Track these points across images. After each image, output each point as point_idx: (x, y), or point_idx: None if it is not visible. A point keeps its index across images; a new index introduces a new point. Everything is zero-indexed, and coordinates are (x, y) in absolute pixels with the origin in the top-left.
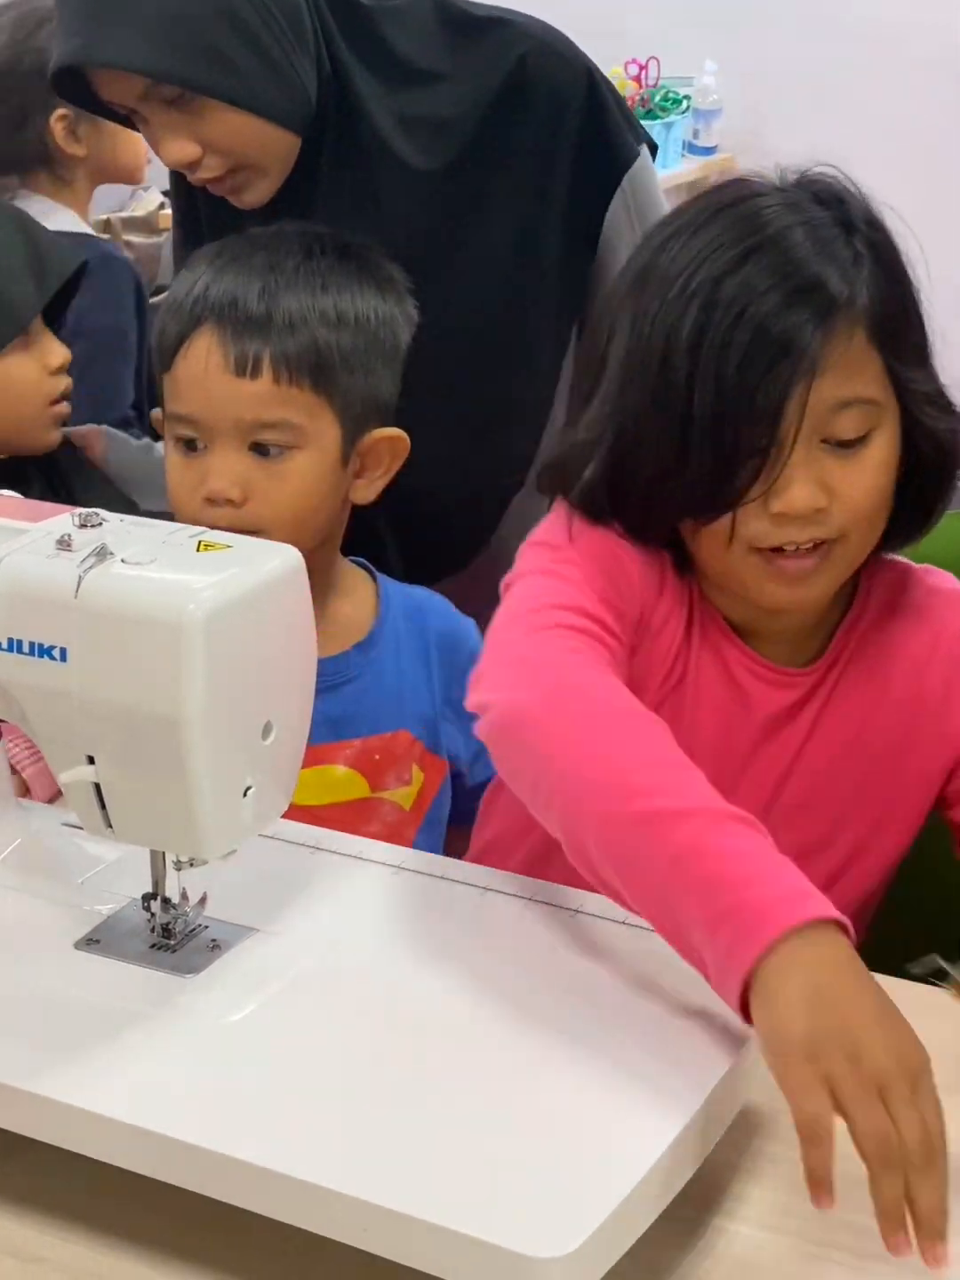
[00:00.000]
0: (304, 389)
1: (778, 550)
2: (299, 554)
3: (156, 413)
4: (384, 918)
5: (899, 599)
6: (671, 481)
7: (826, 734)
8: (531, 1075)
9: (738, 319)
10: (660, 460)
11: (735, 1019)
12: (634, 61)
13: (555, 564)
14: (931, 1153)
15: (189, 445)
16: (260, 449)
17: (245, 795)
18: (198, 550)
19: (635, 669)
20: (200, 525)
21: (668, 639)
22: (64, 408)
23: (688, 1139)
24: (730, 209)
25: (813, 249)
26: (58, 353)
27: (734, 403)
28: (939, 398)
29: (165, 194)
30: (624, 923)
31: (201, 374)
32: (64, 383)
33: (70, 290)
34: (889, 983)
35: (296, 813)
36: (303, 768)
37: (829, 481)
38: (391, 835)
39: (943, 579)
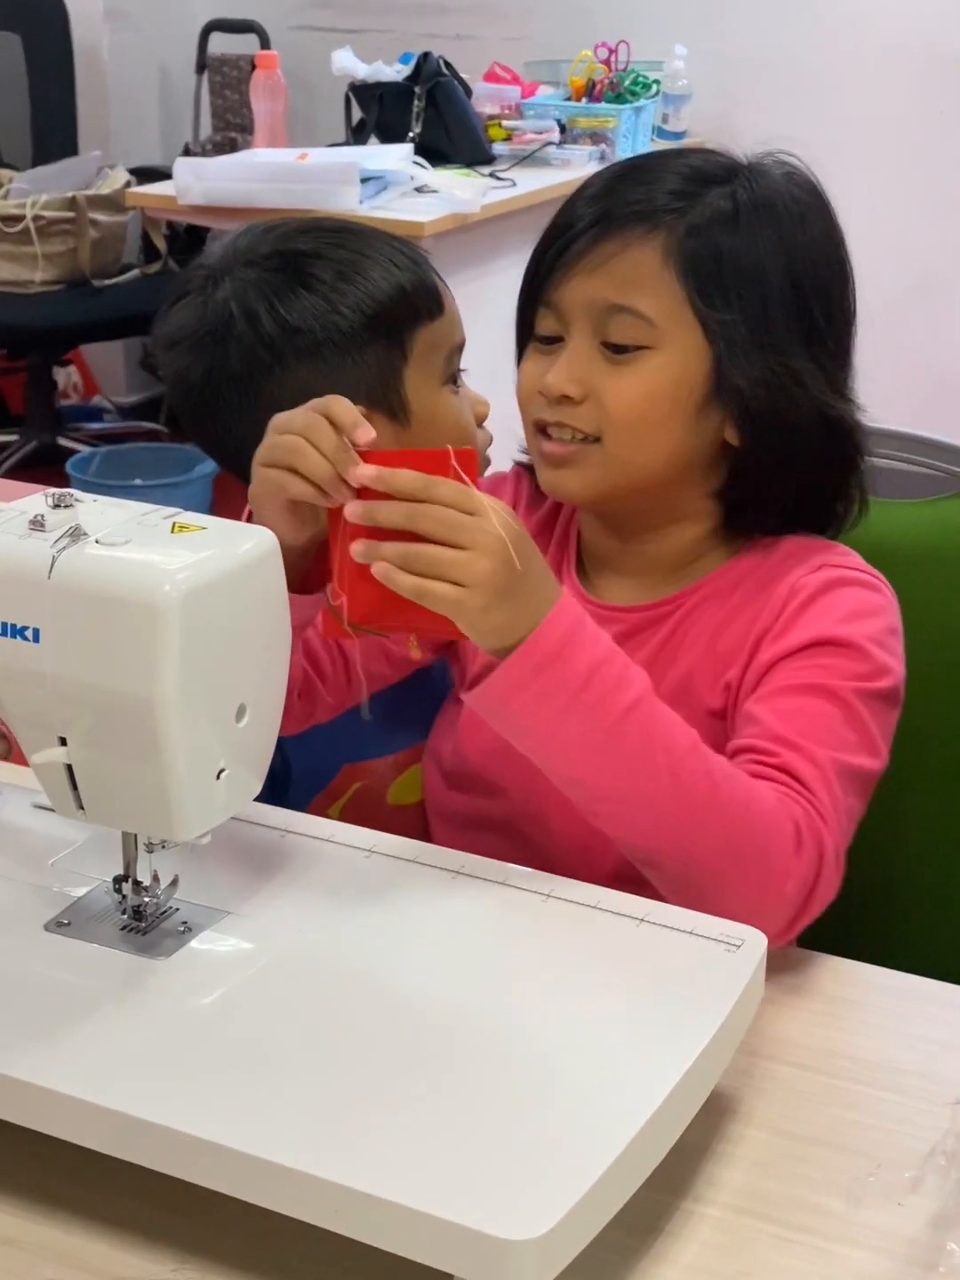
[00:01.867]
0: None
1: (546, 433)
2: (274, 536)
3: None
4: (355, 901)
5: (765, 562)
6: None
7: (655, 682)
8: (502, 1058)
9: (570, 203)
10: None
11: (708, 1002)
12: (604, 45)
13: None
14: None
15: (453, 379)
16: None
17: (218, 778)
18: (172, 531)
19: None
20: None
21: None
22: None
23: (659, 1122)
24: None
25: (667, 178)
26: None
27: (542, 281)
28: (832, 382)
29: (131, 172)
30: (596, 907)
31: (452, 303)
32: None
33: None
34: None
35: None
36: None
37: (593, 379)
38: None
39: (834, 553)
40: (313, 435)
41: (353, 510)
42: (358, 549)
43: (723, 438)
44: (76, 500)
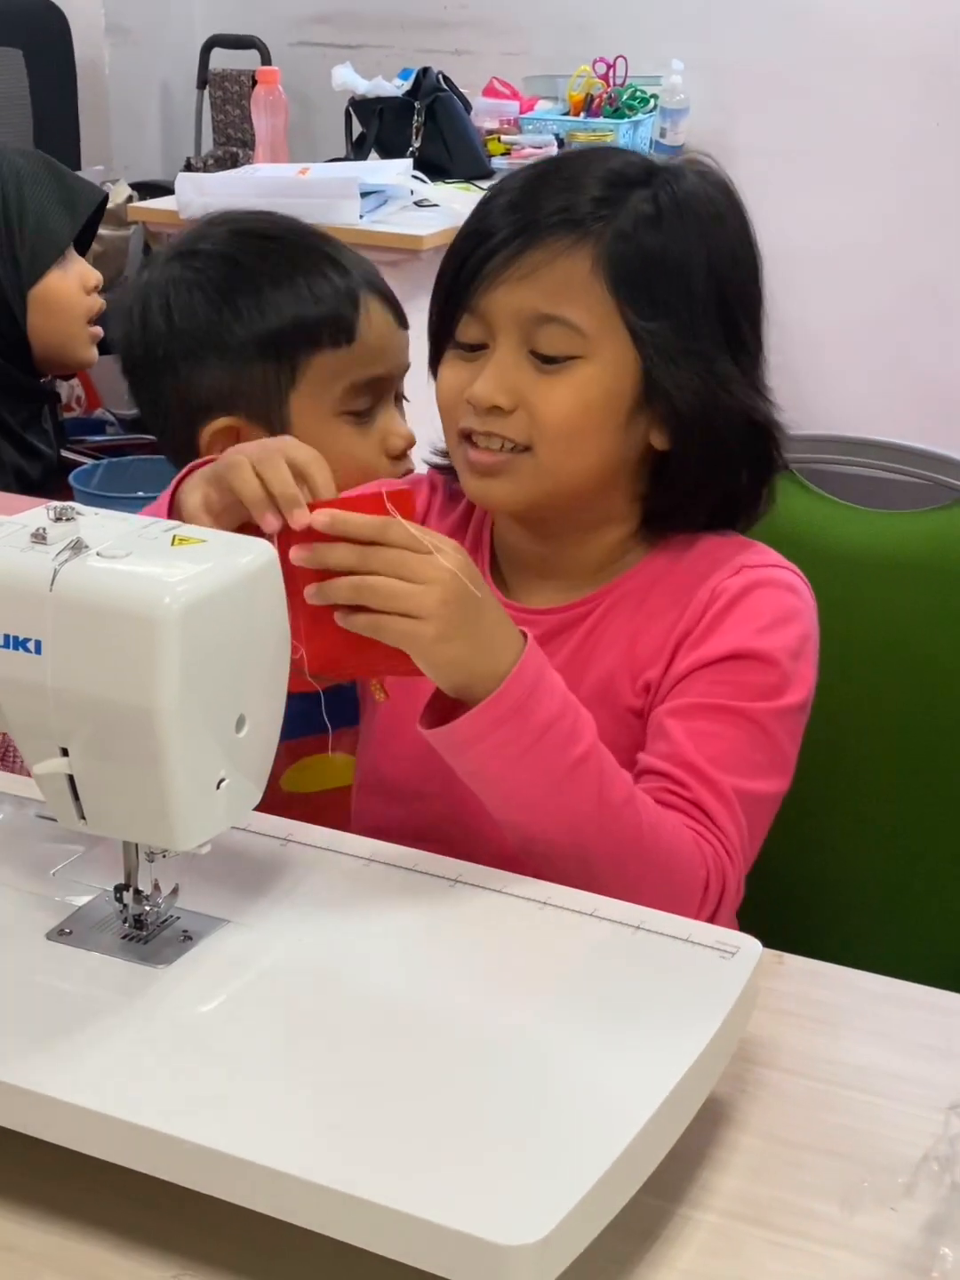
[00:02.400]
0: None
1: (472, 441)
2: (274, 549)
3: (219, 423)
4: (354, 909)
5: (680, 561)
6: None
7: (574, 683)
8: (499, 1064)
9: (487, 207)
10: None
11: (702, 1009)
12: (601, 60)
13: None
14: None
15: (358, 415)
16: (399, 398)
17: (218, 788)
18: (172, 544)
19: None
20: (379, 479)
21: None
22: (99, 330)
23: (655, 1128)
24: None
25: (588, 182)
26: (91, 274)
27: (463, 289)
28: (754, 383)
29: (133, 187)
30: (593, 915)
31: (386, 333)
32: (99, 303)
33: (95, 222)
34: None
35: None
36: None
37: (522, 389)
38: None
39: (752, 553)
40: (262, 466)
41: (298, 555)
42: (310, 592)
43: (649, 442)
44: (78, 513)
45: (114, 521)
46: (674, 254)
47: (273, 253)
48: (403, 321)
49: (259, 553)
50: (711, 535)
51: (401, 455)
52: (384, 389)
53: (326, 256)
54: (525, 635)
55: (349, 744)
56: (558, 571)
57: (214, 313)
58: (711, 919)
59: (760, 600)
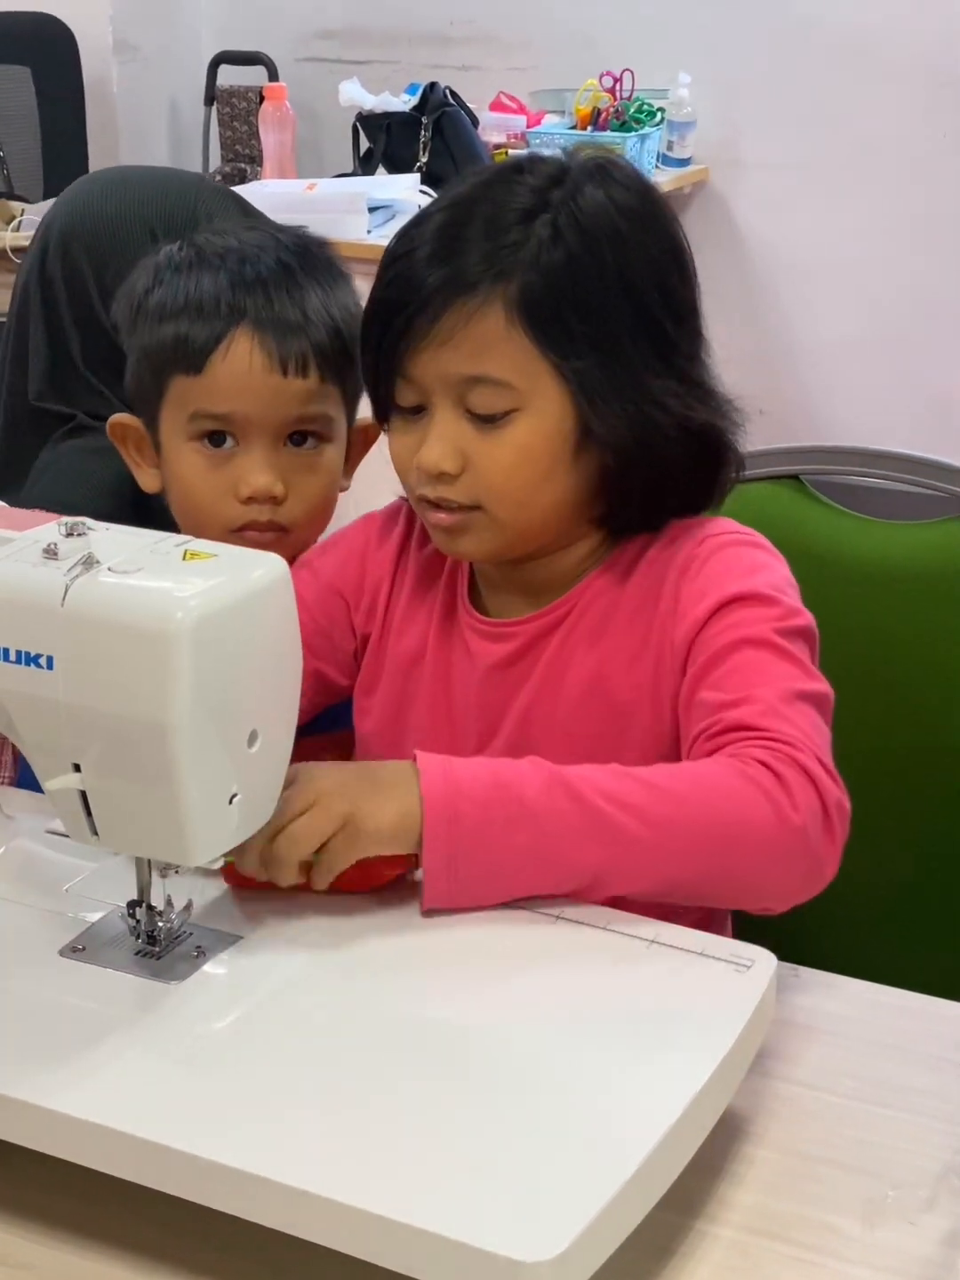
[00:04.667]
0: (331, 383)
1: (429, 502)
2: (285, 563)
3: (119, 417)
4: (365, 923)
5: (647, 553)
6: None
7: (554, 686)
8: (515, 1080)
9: (396, 268)
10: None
11: (719, 1023)
12: (608, 73)
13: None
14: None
15: (215, 443)
16: (295, 445)
17: (231, 803)
18: (184, 559)
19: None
20: (230, 527)
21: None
22: None
23: (672, 1143)
24: (458, 180)
25: (480, 225)
26: None
27: (388, 357)
28: (693, 388)
29: None
30: (606, 928)
31: (245, 374)
32: None
33: None
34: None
35: None
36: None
37: (466, 449)
38: None
39: (709, 525)
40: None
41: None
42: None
43: (600, 473)
44: (89, 528)
45: (125, 536)
46: (585, 282)
47: (199, 268)
48: (290, 371)
49: (270, 566)
50: (674, 525)
51: (252, 501)
52: (241, 429)
53: (246, 285)
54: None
55: (337, 752)
56: (530, 588)
57: (132, 313)
58: (826, 813)
59: (729, 558)
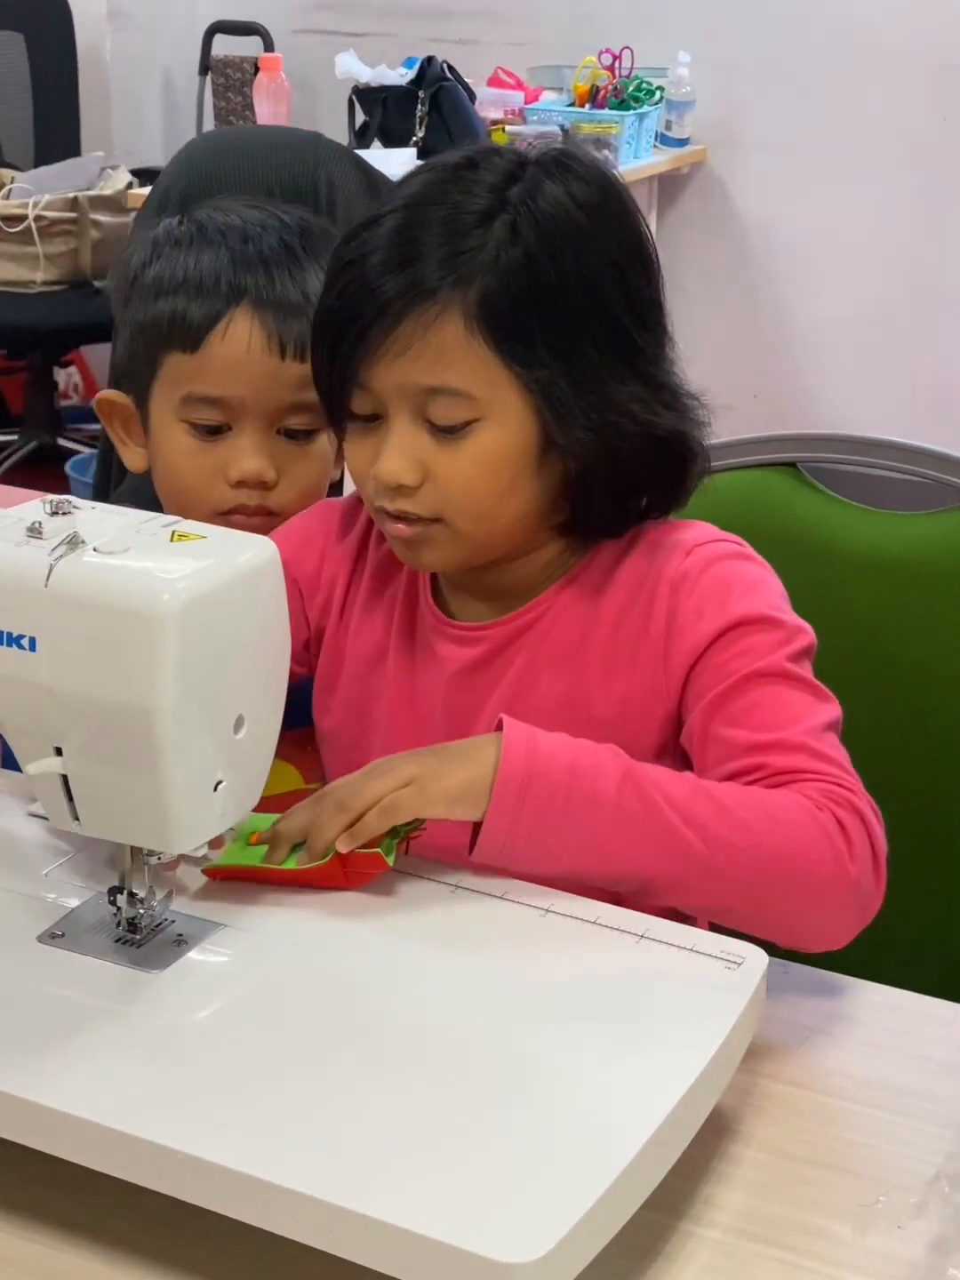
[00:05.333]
0: None
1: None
2: (275, 546)
3: (108, 393)
4: (351, 914)
5: (626, 559)
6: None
7: (526, 696)
8: (499, 1077)
9: (347, 275)
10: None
11: (708, 1020)
12: (607, 51)
13: None
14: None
15: (209, 429)
16: (289, 432)
17: (216, 790)
18: (172, 540)
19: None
20: (217, 510)
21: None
22: None
23: (658, 1143)
24: (407, 178)
25: (441, 230)
26: None
27: (342, 366)
28: (657, 393)
29: (133, 174)
30: (595, 922)
31: (243, 355)
32: None
33: None
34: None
35: None
36: None
37: (425, 460)
38: None
39: (688, 531)
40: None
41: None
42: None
43: (563, 480)
44: (74, 507)
45: (112, 515)
46: (546, 288)
47: (199, 243)
48: (289, 354)
49: (259, 549)
50: (649, 528)
51: (243, 485)
52: (236, 412)
53: (246, 263)
54: (500, 724)
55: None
56: (496, 592)
57: (127, 286)
58: (875, 859)
59: (724, 573)
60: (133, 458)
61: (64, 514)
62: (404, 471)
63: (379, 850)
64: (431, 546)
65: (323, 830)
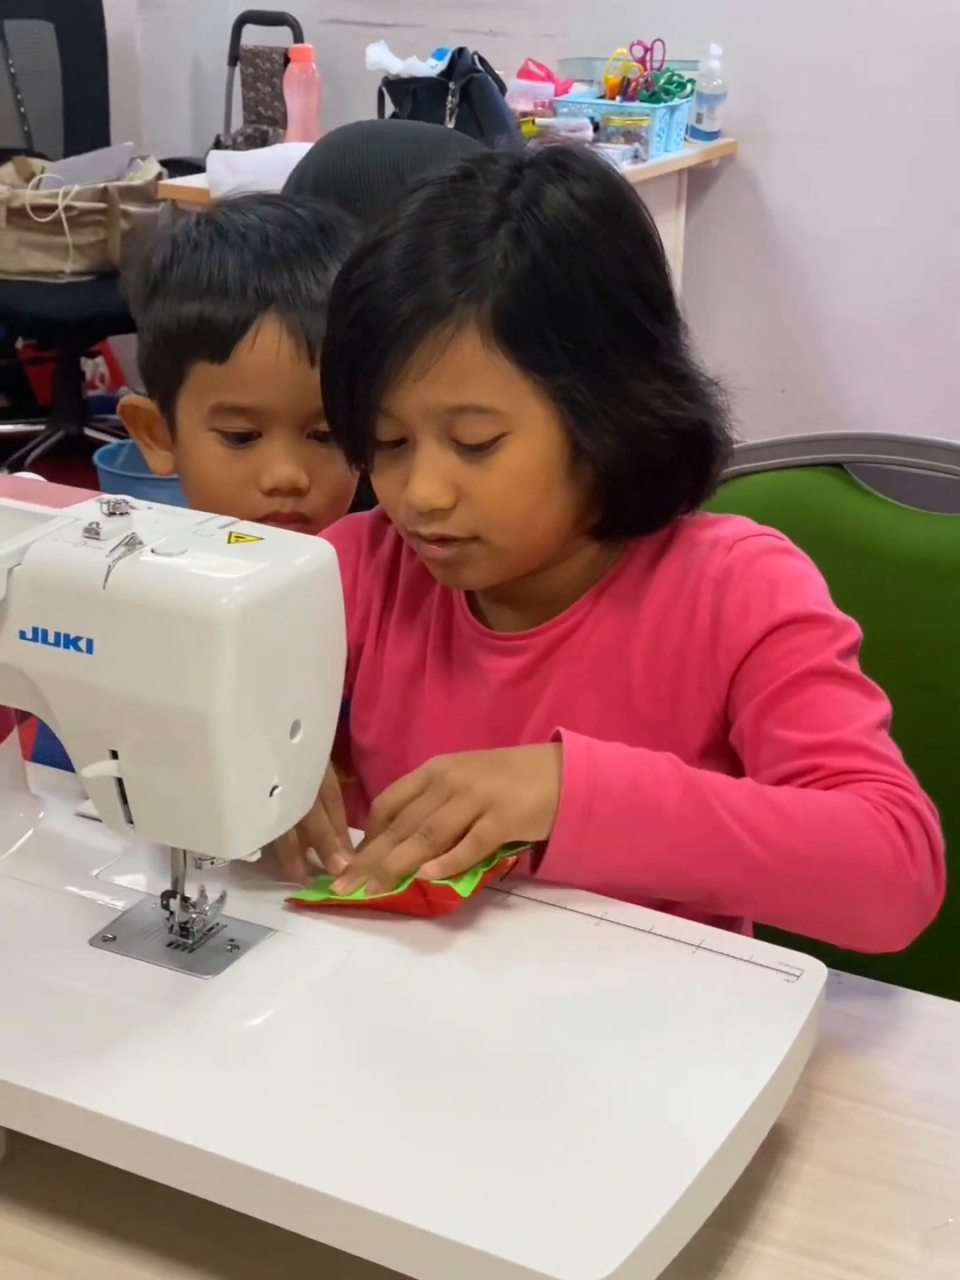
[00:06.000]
0: None
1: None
2: (331, 548)
3: (132, 399)
4: (404, 921)
5: (663, 559)
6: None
7: (570, 701)
8: (559, 1092)
9: (354, 303)
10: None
11: (768, 1034)
12: (639, 43)
13: None
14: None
15: (239, 436)
16: (318, 434)
17: (271, 795)
18: (229, 542)
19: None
20: (250, 517)
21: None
22: None
23: (721, 1160)
24: (404, 196)
25: (445, 247)
26: None
27: (362, 395)
28: (678, 384)
29: (162, 164)
30: (650, 931)
31: (272, 364)
32: None
33: None
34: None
35: None
36: None
37: (456, 481)
38: None
39: (726, 526)
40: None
41: (341, 887)
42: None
43: (594, 478)
44: (131, 507)
45: (167, 516)
46: (558, 292)
47: (220, 245)
48: (319, 360)
49: (317, 552)
50: (682, 525)
51: (276, 492)
52: (266, 420)
53: (270, 265)
54: (558, 735)
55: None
56: (533, 600)
57: (147, 289)
58: (934, 858)
59: (768, 569)
60: (158, 461)
61: (121, 514)
62: (436, 494)
63: (457, 885)
64: (470, 565)
65: (403, 857)
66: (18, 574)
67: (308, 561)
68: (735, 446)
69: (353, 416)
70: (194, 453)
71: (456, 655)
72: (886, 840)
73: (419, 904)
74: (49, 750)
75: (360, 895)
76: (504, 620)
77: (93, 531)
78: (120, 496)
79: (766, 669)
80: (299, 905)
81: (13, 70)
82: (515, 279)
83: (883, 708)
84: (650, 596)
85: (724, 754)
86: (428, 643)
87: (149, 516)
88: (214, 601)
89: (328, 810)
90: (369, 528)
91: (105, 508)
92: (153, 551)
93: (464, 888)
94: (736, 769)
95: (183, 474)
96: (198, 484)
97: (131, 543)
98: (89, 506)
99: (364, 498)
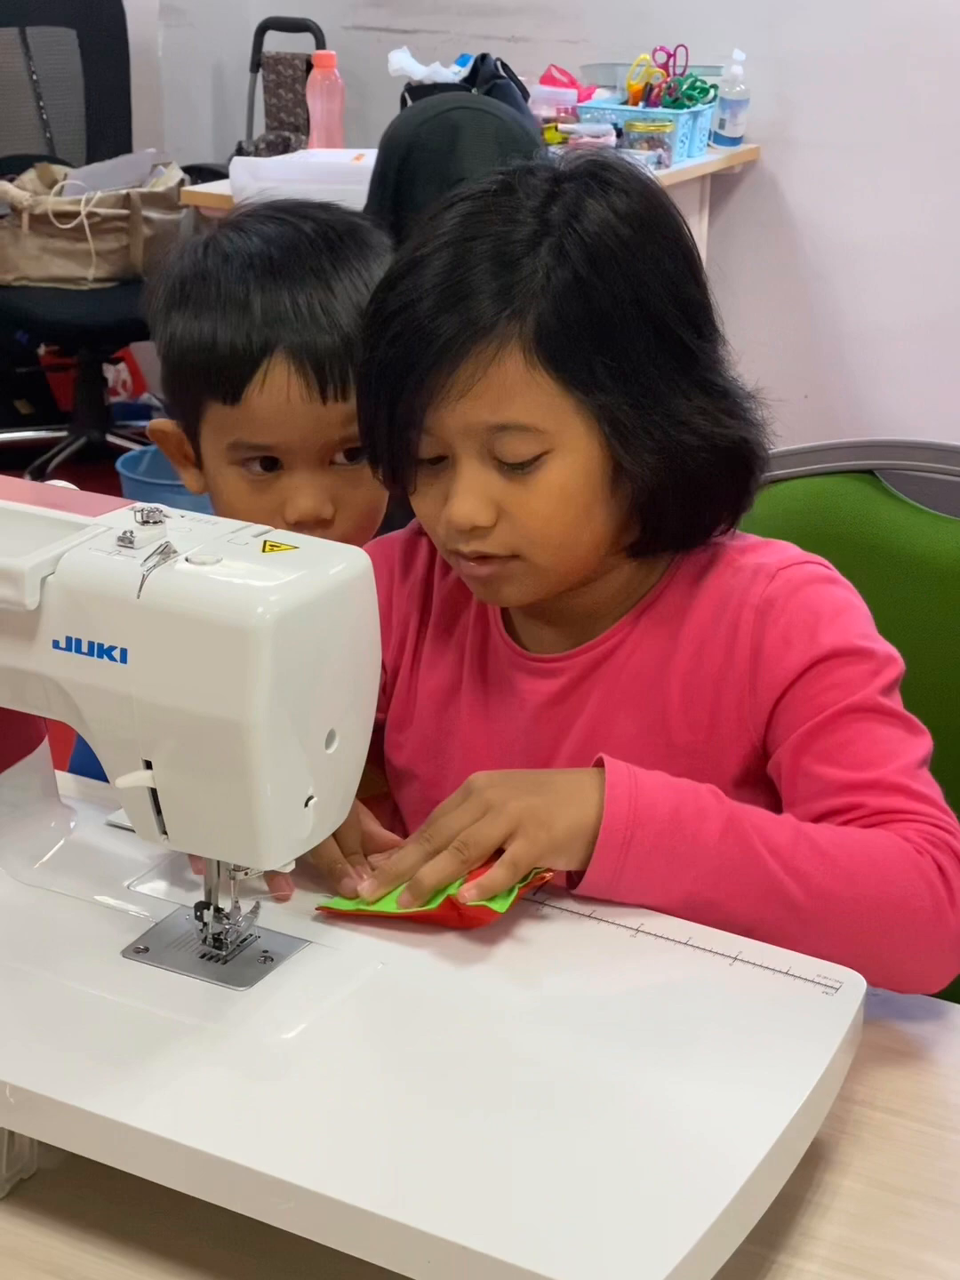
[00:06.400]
0: None
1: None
2: (367, 557)
3: (159, 423)
4: (439, 932)
5: (704, 581)
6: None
7: (606, 726)
8: (597, 1104)
9: (392, 323)
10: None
11: (808, 1048)
12: (662, 49)
13: None
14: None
15: (263, 464)
16: (348, 454)
17: (306, 805)
18: (263, 550)
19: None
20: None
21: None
22: None
23: (761, 1176)
24: (440, 212)
25: (487, 264)
26: None
27: (404, 414)
28: (718, 401)
29: (184, 171)
30: (687, 943)
31: (284, 405)
32: None
33: None
34: None
35: None
36: None
37: (497, 500)
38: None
39: (770, 552)
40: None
41: (367, 889)
42: (409, 898)
43: (634, 508)
44: (164, 515)
45: (201, 525)
46: (600, 309)
47: (224, 277)
48: (330, 397)
49: (352, 561)
50: (718, 546)
51: (301, 526)
52: (285, 454)
53: (274, 296)
54: (600, 761)
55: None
56: (570, 618)
57: (156, 320)
58: None
59: (811, 599)
60: (191, 481)
61: (155, 523)
62: (477, 512)
63: (493, 903)
64: (511, 582)
65: (437, 870)
66: (51, 583)
67: (343, 571)
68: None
69: (392, 435)
70: (220, 485)
71: (492, 676)
72: (926, 884)
73: (452, 918)
74: (87, 762)
75: (392, 906)
76: (541, 640)
77: (127, 540)
78: (153, 505)
79: (807, 704)
80: (331, 914)
81: (35, 77)
82: (557, 295)
83: (924, 744)
84: (690, 620)
85: (761, 784)
86: (463, 663)
87: (183, 525)
88: (249, 611)
89: (362, 821)
90: (400, 549)
91: (139, 516)
92: (187, 560)
93: (500, 904)
94: (773, 799)
95: (212, 499)
96: (227, 513)
97: (165, 552)
98: (122, 515)
99: (394, 518)
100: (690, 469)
